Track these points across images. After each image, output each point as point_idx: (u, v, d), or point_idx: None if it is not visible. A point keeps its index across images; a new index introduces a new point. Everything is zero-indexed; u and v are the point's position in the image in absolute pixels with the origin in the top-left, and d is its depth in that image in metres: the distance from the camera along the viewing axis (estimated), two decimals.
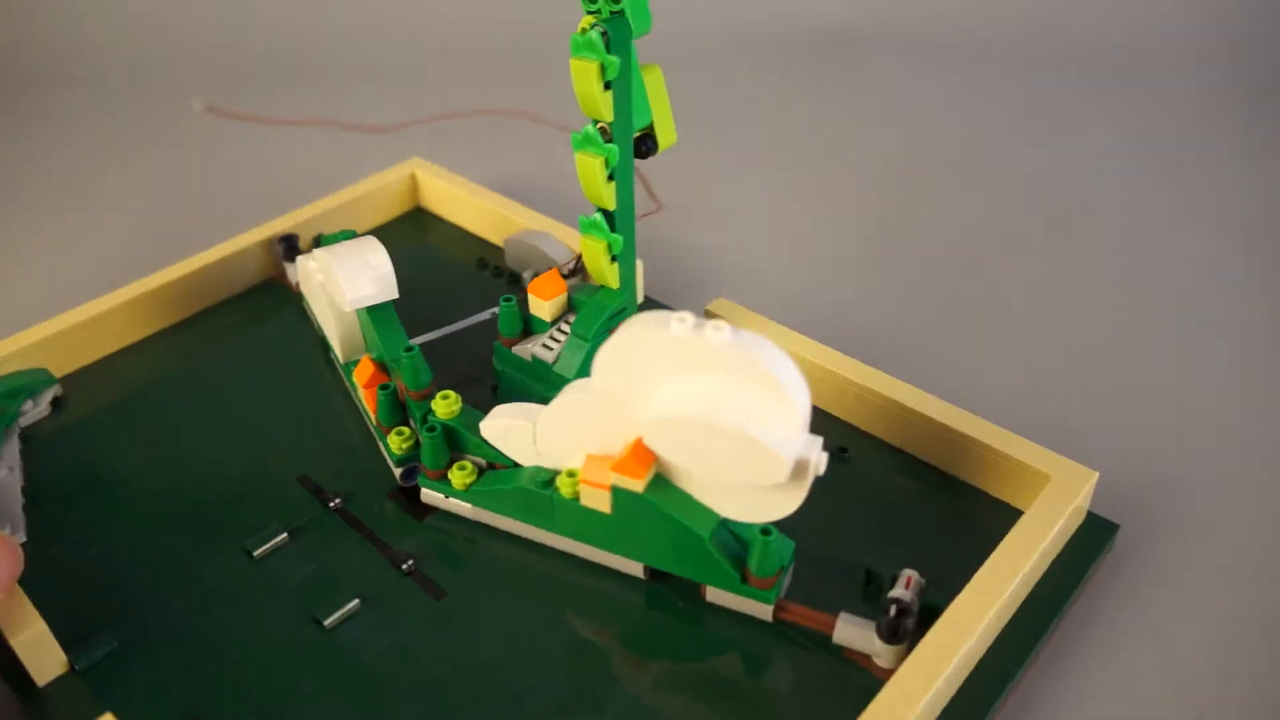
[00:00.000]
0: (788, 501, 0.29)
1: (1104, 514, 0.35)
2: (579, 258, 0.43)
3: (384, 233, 0.51)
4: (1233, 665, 0.32)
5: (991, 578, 0.30)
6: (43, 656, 0.30)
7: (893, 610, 0.29)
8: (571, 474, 0.32)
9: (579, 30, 0.32)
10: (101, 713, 0.29)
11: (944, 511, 0.35)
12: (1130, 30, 0.71)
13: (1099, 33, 0.71)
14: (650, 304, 0.45)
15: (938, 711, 0.29)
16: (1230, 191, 0.55)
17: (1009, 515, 0.34)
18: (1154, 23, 0.71)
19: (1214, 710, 0.30)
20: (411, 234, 0.51)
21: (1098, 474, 0.34)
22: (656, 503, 0.30)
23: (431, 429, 0.34)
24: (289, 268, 0.47)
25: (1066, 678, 0.31)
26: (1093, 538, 0.34)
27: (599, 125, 0.34)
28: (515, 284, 0.46)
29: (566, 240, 0.46)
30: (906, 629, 0.29)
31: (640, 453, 0.30)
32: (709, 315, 0.41)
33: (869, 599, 0.32)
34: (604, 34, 0.32)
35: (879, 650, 0.30)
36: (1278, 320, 0.46)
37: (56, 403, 0.41)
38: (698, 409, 0.28)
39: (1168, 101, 0.64)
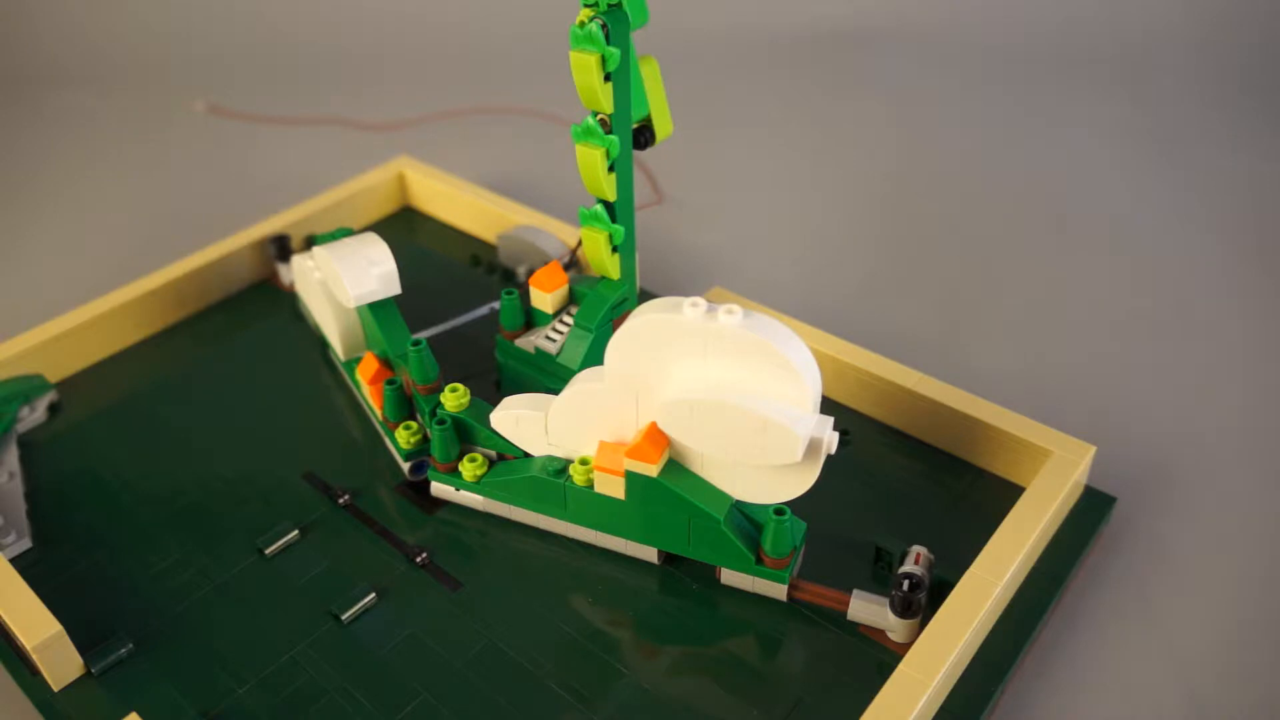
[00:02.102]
0: (800, 481, 0.29)
1: (1100, 488, 0.36)
2: (574, 251, 0.43)
3: (374, 232, 0.51)
4: (1226, 637, 0.32)
5: (999, 551, 0.31)
6: (59, 660, 0.30)
7: (905, 585, 0.29)
8: (584, 462, 0.32)
9: (577, 23, 0.32)
10: (123, 714, 0.29)
11: (947, 490, 0.36)
12: (1132, 30, 0.72)
13: (1101, 32, 0.72)
14: (646, 295, 0.45)
15: (953, 684, 0.29)
16: (1224, 184, 0.56)
17: (1010, 491, 0.35)
18: (1155, 22, 0.72)
19: (1208, 682, 0.31)
20: (402, 233, 0.51)
21: (1095, 448, 0.34)
22: (671, 486, 0.30)
23: (441, 422, 0.34)
24: (282, 268, 0.46)
25: (1069, 647, 0.32)
26: (1091, 511, 0.35)
27: (599, 117, 0.34)
28: (509, 280, 0.47)
29: (560, 235, 0.46)
30: (920, 603, 0.30)
31: (654, 437, 0.30)
32: None
33: (879, 576, 0.33)
34: (603, 26, 0.32)
35: (893, 625, 0.30)
36: (1270, 300, 0.47)
37: (53, 409, 0.41)
38: (712, 391, 0.28)
39: (1166, 100, 0.65)
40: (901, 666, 0.28)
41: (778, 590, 0.31)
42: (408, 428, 0.36)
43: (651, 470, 0.30)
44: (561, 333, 0.37)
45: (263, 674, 0.30)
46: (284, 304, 0.46)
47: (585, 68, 0.32)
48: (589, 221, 0.36)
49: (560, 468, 0.33)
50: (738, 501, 0.31)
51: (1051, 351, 0.44)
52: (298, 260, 0.43)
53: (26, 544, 0.35)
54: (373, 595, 0.32)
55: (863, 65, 0.71)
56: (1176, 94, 0.65)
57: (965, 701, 0.29)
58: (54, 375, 0.42)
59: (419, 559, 0.33)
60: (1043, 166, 0.58)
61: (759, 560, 0.31)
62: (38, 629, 0.29)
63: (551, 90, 0.63)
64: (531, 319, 0.39)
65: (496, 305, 0.44)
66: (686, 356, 0.28)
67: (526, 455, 0.34)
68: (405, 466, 0.36)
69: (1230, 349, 0.44)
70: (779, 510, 0.30)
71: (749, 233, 0.53)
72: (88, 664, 0.30)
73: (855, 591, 0.31)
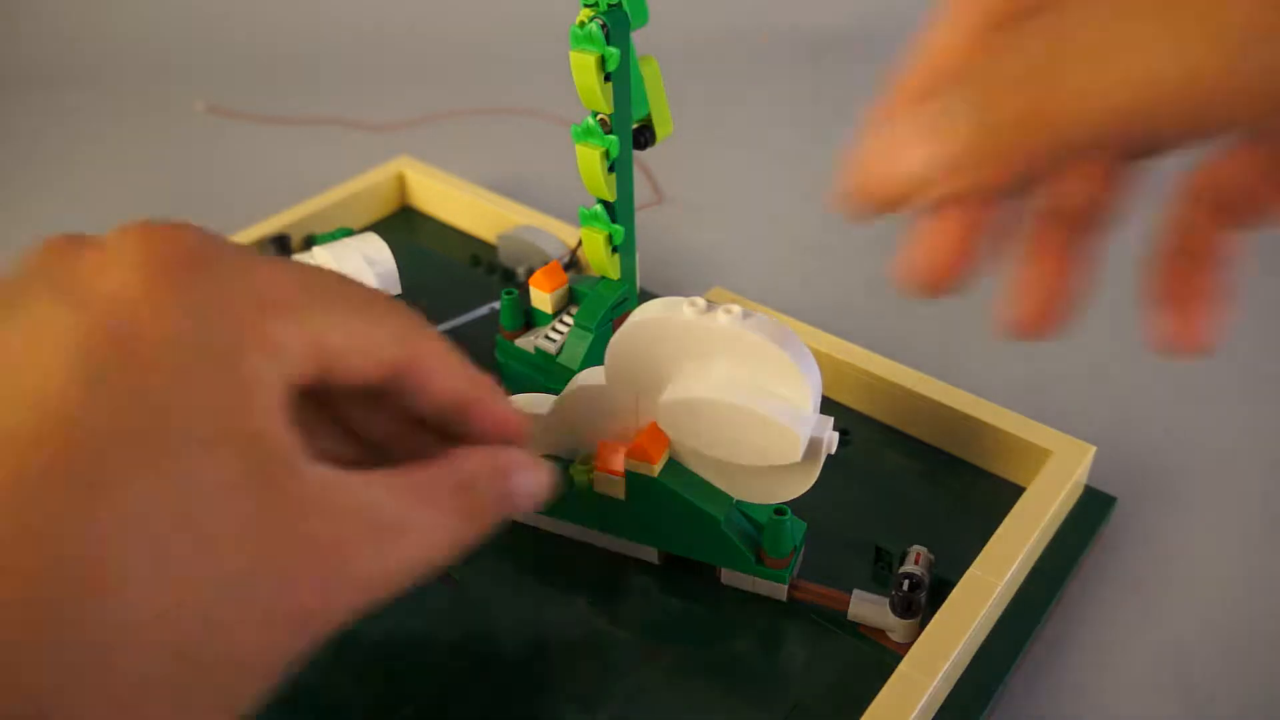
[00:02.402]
0: (800, 481, 0.29)
1: (1100, 488, 0.36)
2: (574, 251, 0.43)
3: (373, 232, 0.51)
4: (1226, 637, 0.32)
5: (999, 551, 0.31)
6: None
7: (905, 585, 0.29)
8: (585, 461, 0.32)
9: (577, 23, 0.32)
10: None
11: (947, 490, 0.36)
12: None
13: None
14: (646, 295, 0.45)
15: (952, 684, 0.29)
16: None
17: (1010, 491, 0.35)
18: None
19: (1208, 683, 0.31)
20: (402, 233, 0.51)
21: (1095, 448, 0.35)
22: (671, 486, 0.30)
23: None
24: None
25: (1069, 647, 0.32)
26: (1091, 511, 0.35)
27: (599, 117, 0.34)
28: (509, 280, 0.47)
29: (560, 235, 0.46)
30: (919, 603, 0.30)
31: (654, 437, 0.30)
32: None
33: (879, 576, 0.33)
34: (603, 26, 0.32)
35: (893, 625, 0.30)
36: (1270, 300, 0.47)
37: None
38: (712, 390, 0.28)
39: None
40: (901, 666, 0.28)
41: (778, 590, 0.31)
42: None
43: (652, 470, 0.30)
44: (561, 333, 0.37)
45: None
46: None
47: (585, 68, 0.32)
48: (589, 221, 0.36)
49: (561, 468, 0.33)
50: (738, 501, 0.31)
51: (1051, 351, 0.44)
52: (300, 259, 0.43)
53: None
54: None
55: (863, 64, 0.71)
56: None
57: (965, 702, 0.29)
58: None
59: None
60: None
61: (759, 560, 0.31)
62: None
63: (551, 90, 0.63)
64: (531, 319, 0.39)
65: (496, 305, 0.44)
66: (686, 356, 0.28)
67: None
68: None
69: (1230, 349, 0.44)
70: (779, 510, 0.30)
71: (749, 233, 0.53)
72: None
73: (855, 591, 0.31)
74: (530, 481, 0.25)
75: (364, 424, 0.25)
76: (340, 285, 0.21)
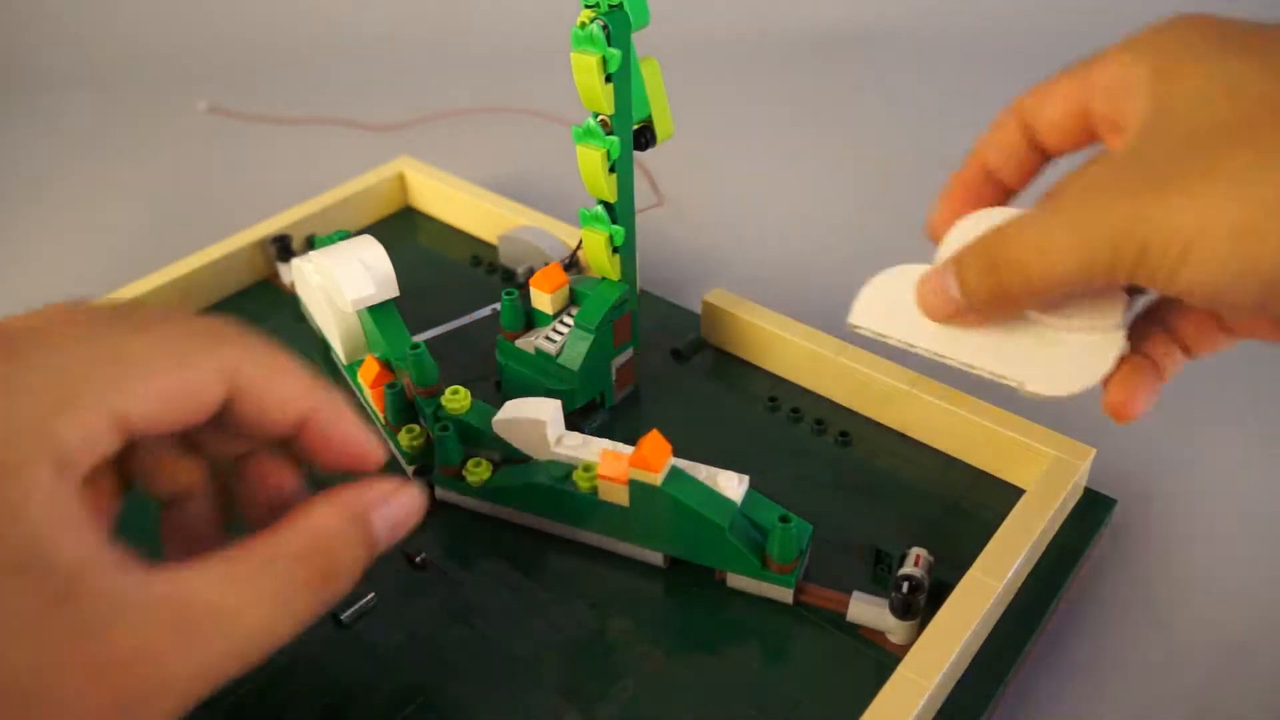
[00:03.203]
0: (1092, 369, 0.29)
1: (1100, 490, 0.36)
2: (574, 252, 0.43)
3: (374, 233, 0.50)
4: (1226, 639, 0.32)
5: (998, 553, 0.31)
6: None
7: (905, 587, 0.29)
8: (588, 469, 0.32)
9: (578, 24, 0.32)
10: None
11: (947, 492, 0.36)
12: (1129, 28, 0.72)
13: (1102, 32, 0.72)
14: (646, 296, 0.45)
15: (951, 686, 0.29)
16: None
17: (1010, 493, 0.35)
18: (1153, 19, 0.72)
19: (1209, 685, 0.31)
20: (402, 233, 0.51)
21: (1095, 450, 0.34)
22: (675, 495, 0.30)
23: (444, 428, 0.34)
24: (282, 268, 0.46)
25: (1069, 650, 0.32)
26: (1091, 513, 0.35)
27: (600, 118, 0.34)
28: (510, 280, 0.47)
29: (560, 235, 0.46)
30: (918, 605, 0.30)
31: (656, 446, 0.30)
32: (706, 306, 0.42)
33: (879, 578, 0.33)
34: (604, 27, 0.32)
35: (892, 627, 0.30)
36: None
37: None
38: None
39: None
40: (900, 668, 0.28)
41: (784, 594, 0.31)
42: (410, 431, 0.36)
43: (654, 479, 0.30)
44: (562, 334, 0.37)
45: (263, 674, 0.30)
46: (285, 304, 0.46)
47: (586, 69, 0.32)
48: (589, 222, 0.36)
49: (565, 474, 0.33)
50: (743, 507, 0.31)
51: None
52: (297, 263, 0.42)
53: None
54: (372, 595, 0.32)
55: (863, 65, 0.71)
56: None
57: (964, 704, 0.29)
58: None
59: (419, 559, 0.33)
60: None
61: (764, 565, 0.31)
62: None
63: (552, 90, 0.63)
64: (532, 320, 0.39)
65: (497, 306, 0.44)
66: None
67: (530, 459, 0.34)
68: (409, 470, 0.36)
69: (1230, 351, 0.44)
70: (784, 517, 0.30)
71: (749, 233, 0.53)
72: None
73: (855, 593, 0.31)
74: (395, 513, 0.23)
75: (218, 447, 0.24)
76: (153, 337, 0.21)
